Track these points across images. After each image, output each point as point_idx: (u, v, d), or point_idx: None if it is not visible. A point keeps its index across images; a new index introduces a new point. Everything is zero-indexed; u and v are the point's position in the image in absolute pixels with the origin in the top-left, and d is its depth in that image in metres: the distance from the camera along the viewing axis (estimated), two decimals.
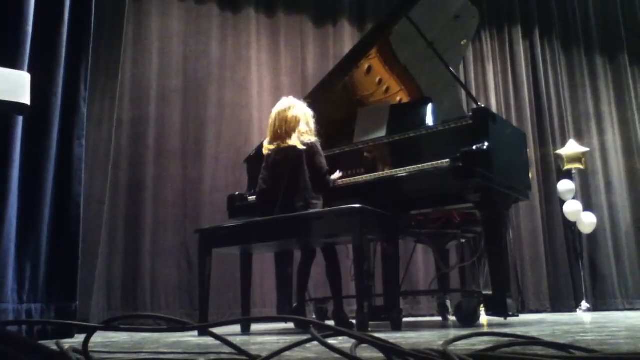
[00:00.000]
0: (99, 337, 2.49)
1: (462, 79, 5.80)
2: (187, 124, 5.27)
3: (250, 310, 3.22)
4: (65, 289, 2.50)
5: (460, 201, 3.12)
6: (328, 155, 3.39)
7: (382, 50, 3.82)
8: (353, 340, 1.16)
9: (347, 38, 5.97)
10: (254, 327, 3.40)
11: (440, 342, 1.18)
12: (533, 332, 2.31)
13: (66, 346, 1.17)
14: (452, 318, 4.02)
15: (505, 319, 3.05)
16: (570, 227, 6.24)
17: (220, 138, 5.34)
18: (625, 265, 6.35)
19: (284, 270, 3.56)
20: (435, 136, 3.18)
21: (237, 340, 1.67)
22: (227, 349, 1.35)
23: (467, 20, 3.97)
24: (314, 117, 3.21)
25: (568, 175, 6.31)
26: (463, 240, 4.00)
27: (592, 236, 6.31)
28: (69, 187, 2.61)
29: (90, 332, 1.25)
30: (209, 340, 2.15)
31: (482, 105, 3.21)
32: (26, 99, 1.60)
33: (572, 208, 6.10)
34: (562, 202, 6.20)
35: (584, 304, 5.93)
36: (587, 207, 6.28)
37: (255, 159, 3.62)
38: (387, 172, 3.19)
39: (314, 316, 3.88)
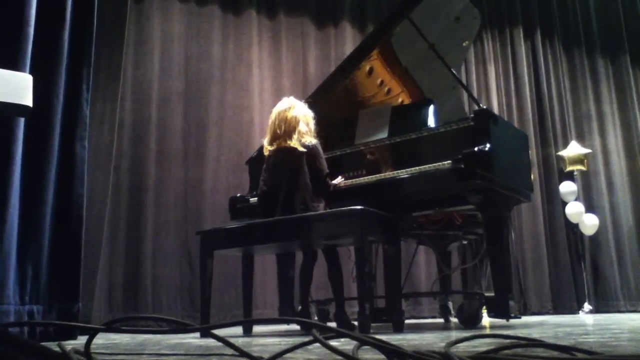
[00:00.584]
0: (100, 339, 2.49)
1: (464, 80, 5.80)
2: (189, 125, 5.27)
3: (251, 311, 3.22)
4: (67, 291, 2.51)
5: (461, 203, 3.12)
6: (329, 156, 3.40)
7: (383, 52, 3.82)
8: (355, 342, 1.16)
9: (348, 40, 5.97)
10: (256, 328, 3.40)
11: (442, 344, 1.18)
12: (535, 333, 2.31)
13: (68, 348, 1.17)
14: (454, 320, 4.02)
15: (508, 320, 3.05)
16: (572, 228, 6.23)
17: (221, 140, 5.35)
18: (627, 267, 6.34)
19: (286, 272, 3.56)
20: (436, 138, 3.18)
21: (239, 341, 1.67)
22: (229, 351, 1.35)
23: (468, 22, 3.97)
24: (314, 118, 3.21)
25: (570, 176, 6.30)
26: (465, 242, 4.00)
27: (594, 238, 6.29)
28: (71, 189, 2.61)
29: (92, 333, 1.25)
30: (210, 341, 2.15)
31: (484, 107, 3.21)
32: (28, 101, 1.60)
33: (574, 209, 6.09)
34: (564, 203, 6.19)
35: (587, 306, 5.92)
36: (589, 208, 6.27)
37: (257, 160, 3.62)
38: (388, 174, 3.19)
39: (316, 318, 3.88)
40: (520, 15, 6.76)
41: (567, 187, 6.18)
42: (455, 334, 2.56)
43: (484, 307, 3.19)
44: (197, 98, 5.35)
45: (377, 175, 3.24)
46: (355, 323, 2.75)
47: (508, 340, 1.30)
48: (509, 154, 3.20)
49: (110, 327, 1.28)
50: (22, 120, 2.39)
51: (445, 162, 2.95)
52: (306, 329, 2.96)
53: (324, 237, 2.88)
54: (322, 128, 3.31)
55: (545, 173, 6.37)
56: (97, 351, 1.59)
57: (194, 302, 4.77)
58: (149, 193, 4.94)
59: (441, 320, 4.39)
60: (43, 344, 0.97)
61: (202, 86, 5.38)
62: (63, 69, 2.65)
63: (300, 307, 3.46)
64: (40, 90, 1.90)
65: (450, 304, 4.19)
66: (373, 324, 2.72)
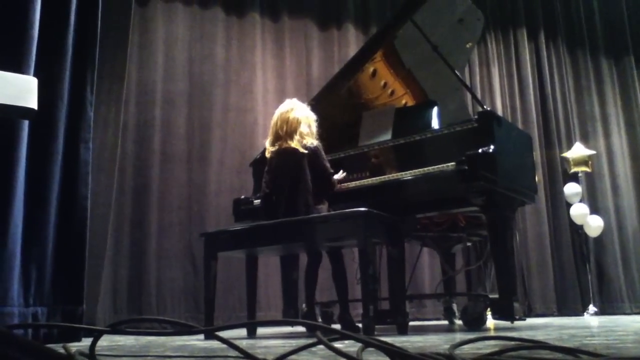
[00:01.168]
0: (105, 341, 2.49)
1: (467, 81, 5.79)
2: (193, 127, 5.28)
3: (255, 313, 3.22)
4: (71, 292, 2.51)
5: (465, 204, 3.12)
6: (333, 158, 3.40)
7: (386, 54, 3.82)
8: (359, 344, 1.16)
9: (351, 41, 5.97)
10: (260, 330, 3.40)
11: (447, 346, 1.18)
12: (540, 336, 2.30)
13: (73, 349, 1.18)
14: (458, 322, 4.01)
15: (512, 322, 3.04)
16: (577, 230, 6.22)
17: (225, 142, 5.35)
18: (632, 269, 6.32)
19: (290, 274, 3.55)
20: (440, 139, 3.17)
21: (243, 343, 1.67)
22: (234, 353, 1.35)
23: (472, 23, 3.96)
24: (317, 120, 3.21)
25: (574, 178, 6.28)
26: (469, 244, 3.99)
27: (599, 239, 6.28)
28: (75, 191, 2.62)
29: (97, 335, 1.25)
30: (214, 343, 2.15)
31: (488, 108, 3.20)
32: (33, 104, 1.61)
33: (579, 211, 6.07)
34: (569, 205, 6.18)
35: (591, 308, 5.90)
36: (594, 210, 6.25)
37: (261, 162, 3.62)
38: (392, 176, 3.19)
39: (320, 320, 3.88)
40: (523, 17, 6.75)
41: (571, 189, 6.16)
42: (459, 336, 2.55)
43: (488, 309, 3.18)
44: (201, 100, 5.36)
45: (381, 177, 3.24)
46: (360, 325, 2.74)
47: (512, 342, 1.30)
48: (513, 155, 3.19)
49: (115, 329, 1.28)
50: (26, 123, 2.40)
51: (449, 164, 2.95)
52: (311, 331, 2.96)
53: (328, 239, 2.87)
54: (326, 130, 3.31)
55: (549, 174, 6.36)
56: (101, 353, 1.59)
57: (198, 304, 4.78)
58: (153, 195, 4.95)
59: (445, 322, 4.38)
60: (47, 346, 0.98)
61: (206, 88, 5.40)
62: (67, 71, 2.66)
63: (305, 309, 3.46)
64: (45, 92, 1.90)
65: (454, 306, 4.18)
66: (377, 326, 2.72)
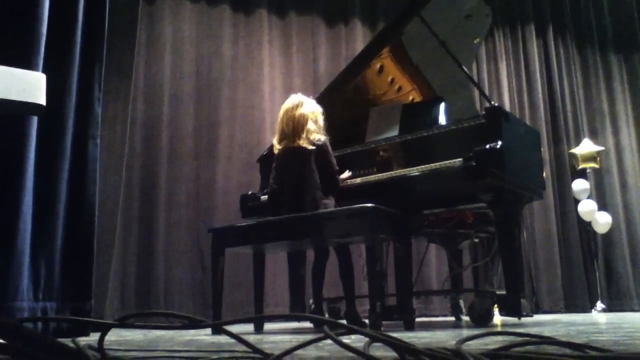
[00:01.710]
0: (113, 336, 2.51)
1: (475, 77, 5.77)
2: (200, 124, 5.30)
3: (263, 309, 3.23)
4: (79, 288, 2.53)
5: (473, 201, 3.11)
6: (340, 154, 3.40)
7: (394, 50, 3.82)
8: (366, 339, 1.16)
9: (359, 38, 5.97)
10: (267, 326, 3.41)
11: (454, 342, 1.18)
12: (547, 332, 2.30)
13: (82, 343, 1.18)
14: (465, 318, 4.01)
15: (519, 319, 3.04)
16: (585, 226, 6.19)
17: (232, 138, 5.37)
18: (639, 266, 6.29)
19: (297, 270, 3.56)
20: (447, 135, 3.16)
21: (251, 338, 1.68)
22: (241, 347, 1.35)
23: (480, 19, 3.95)
24: (324, 113, 3.19)
25: (582, 174, 6.25)
26: (476, 240, 3.98)
27: (607, 236, 6.24)
28: (84, 187, 2.63)
29: (105, 329, 1.26)
30: (222, 338, 2.16)
31: (495, 104, 3.19)
32: (42, 100, 1.62)
33: (587, 208, 6.05)
34: (577, 201, 6.15)
35: (599, 305, 5.87)
36: (602, 206, 6.22)
37: (268, 158, 3.63)
38: (399, 172, 3.18)
39: (327, 316, 3.88)
40: (532, 13, 6.71)
41: (579, 185, 6.13)
42: (466, 332, 2.55)
43: (496, 306, 3.18)
44: (208, 97, 5.37)
45: (388, 173, 3.23)
46: (366, 321, 2.74)
47: (520, 338, 1.30)
48: (521, 151, 3.18)
49: (123, 323, 1.29)
50: (35, 119, 2.41)
51: (457, 160, 2.94)
52: (318, 325, 2.96)
53: (335, 235, 2.88)
54: (333, 126, 3.31)
55: (557, 171, 6.33)
56: (110, 347, 1.60)
57: (206, 300, 4.80)
58: (161, 191, 4.98)
59: (452, 318, 4.37)
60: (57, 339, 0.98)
61: (213, 85, 5.41)
62: (75, 68, 2.67)
63: (313, 305, 3.46)
64: (53, 89, 1.91)
65: (461, 302, 4.18)
66: (384, 322, 2.72)
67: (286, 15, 5.86)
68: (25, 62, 2.31)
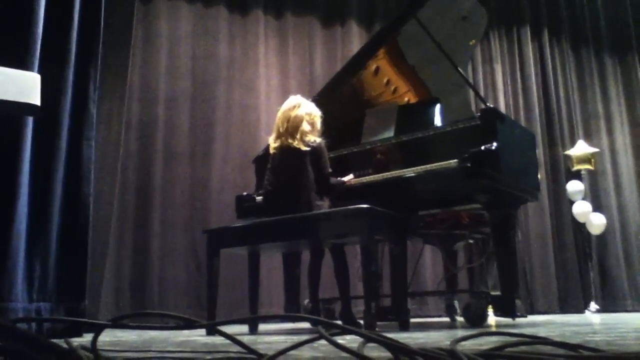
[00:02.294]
0: (107, 336, 2.50)
1: (471, 79, 5.78)
2: (196, 125, 5.29)
3: (257, 310, 3.23)
4: (74, 289, 2.52)
5: (468, 202, 3.12)
6: (336, 155, 3.40)
7: (390, 51, 3.82)
8: (361, 340, 1.17)
9: (355, 39, 5.97)
10: (262, 327, 3.41)
11: (448, 342, 1.18)
12: (541, 332, 2.31)
13: (75, 344, 1.18)
14: (460, 319, 4.01)
15: (514, 319, 3.04)
16: (580, 228, 6.21)
17: (228, 139, 5.36)
18: (634, 267, 6.31)
19: (292, 271, 3.56)
20: (443, 136, 3.17)
21: (245, 339, 1.68)
22: (235, 348, 1.35)
23: (475, 21, 3.95)
24: (322, 117, 3.20)
25: (577, 176, 6.27)
26: (471, 241, 3.99)
27: (602, 237, 6.27)
28: (78, 188, 2.62)
29: (98, 329, 1.26)
30: (217, 339, 2.16)
31: (491, 106, 3.20)
32: (36, 100, 1.62)
33: (581, 209, 6.07)
34: (571, 202, 6.17)
35: (593, 305, 5.89)
36: (596, 208, 6.24)
37: (263, 158, 3.63)
38: (395, 173, 3.19)
39: (322, 316, 3.88)
40: (527, 15, 6.73)
41: (574, 187, 6.16)
42: (461, 333, 2.56)
43: (490, 306, 3.19)
44: (204, 98, 5.37)
45: (384, 174, 3.24)
46: (362, 322, 2.75)
47: (514, 338, 1.30)
48: (516, 153, 3.19)
49: (117, 323, 1.29)
50: (30, 120, 2.41)
51: (452, 161, 2.95)
52: (313, 326, 2.96)
53: (331, 236, 2.88)
54: (329, 127, 3.31)
55: (552, 172, 6.35)
56: (104, 348, 1.60)
57: (201, 301, 4.79)
58: (156, 192, 4.97)
59: (447, 319, 4.38)
60: (51, 340, 0.98)
61: (209, 86, 5.40)
62: (71, 68, 2.66)
63: (310, 305, 3.47)
64: (48, 89, 1.91)
65: (456, 303, 4.19)
66: (379, 323, 2.72)
67: (282, 15, 5.86)
68: (20, 62, 2.31)
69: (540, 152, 6.02)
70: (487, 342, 1.58)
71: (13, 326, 0.89)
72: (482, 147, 2.88)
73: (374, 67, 3.85)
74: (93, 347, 1.16)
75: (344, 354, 1.09)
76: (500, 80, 6.47)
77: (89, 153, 2.69)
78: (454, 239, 3.97)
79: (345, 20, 6.07)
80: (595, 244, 6.30)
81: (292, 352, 1.28)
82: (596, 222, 6.05)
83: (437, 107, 3.53)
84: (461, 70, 3.56)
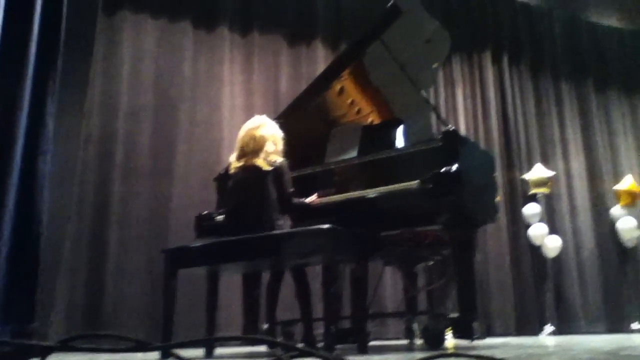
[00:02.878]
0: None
1: (433, 101, 5.87)
2: (157, 141, 5.19)
3: (214, 333, 3.16)
4: (22, 310, 2.43)
5: (429, 222, 3.14)
6: (300, 175, 3.39)
7: (354, 72, 3.85)
8: None
9: (320, 59, 6.00)
10: (219, 351, 3.34)
11: None
12: (498, 354, 2.32)
13: None
14: (419, 341, 4.01)
15: (471, 341, 3.06)
16: (536, 250, 6.32)
17: (190, 156, 5.28)
18: (588, 289, 6.47)
19: (252, 292, 3.50)
20: (406, 157, 3.20)
21: None
22: None
23: (439, 44, 4.02)
24: (284, 138, 3.21)
25: (534, 199, 6.40)
26: (431, 263, 4.01)
27: (557, 260, 6.39)
28: (32, 204, 2.54)
29: (46, 352, 1.20)
30: None
31: (452, 128, 3.24)
32: None
33: (538, 232, 6.19)
34: (528, 225, 6.29)
35: (549, 327, 5.99)
36: (552, 230, 6.37)
37: (225, 177, 3.58)
38: (357, 193, 3.19)
39: (280, 339, 3.83)
40: (488, 40, 6.90)
41: (531, 210, 6.28)
42: (419, 355, 2.55)
43: (449, 328, 3.20)
44: (167, 114, 5.28)
45: (346, 194, 3.24)
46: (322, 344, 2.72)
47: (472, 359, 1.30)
48: (477, 174, 3.24)
49: (66, 345, 1.24)
50: None
51: (414, 182, 2.97)
52: (272, 348, 2.92)
53: (292, 256, 2.85)
54: (293, 146, 3.31)
55: (509, 195, 6.46)
56: None
57: (157, 322, 4.60)
58: (113, 209, 4.84)
59: (406, 341, 4.38)
60: None
61: (172, 102, 5.33)
62: (29, 81, 2.60)
63: (266, 326, 3.42)
64: (4, 102, 1.85)
65: (415, 325, 4.19)
66: (338, 345, 2.70)
67: (248, 33, 5.85)
68: None
69: (498, 174, 6.13)
70: None
71: None
72: (444, 169, 2.91)
73: (338, 87, 3.88)
74: None
75: None
76: (461, 103, 6.59)
77: (44, 168, 2.61)
78: (414, 261, 3.98)
79: (310, 40, 6.09)
80: (551, 267, 6.42)
81: None
82: (552, 245, 6.18)
83: (400, 128, 3.57)
84: (423, 93, 3.61)
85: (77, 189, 4.61)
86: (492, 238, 6.16)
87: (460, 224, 2.98)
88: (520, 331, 5.96)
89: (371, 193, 3.11)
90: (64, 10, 2.81)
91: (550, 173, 6.47)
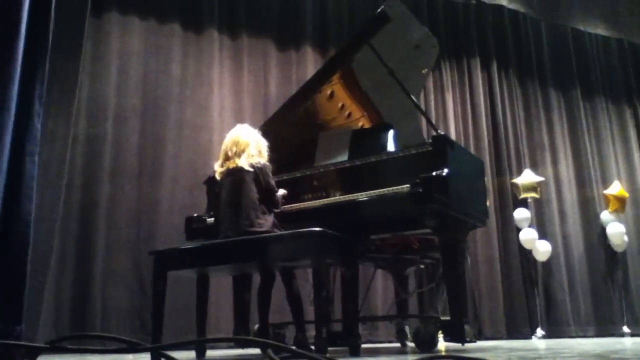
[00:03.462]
0: None
1: (423, 106, 5.89)
2: (145, 143, 5.17)
3: (205, 335, 3.14)
4: (9, 311, 2.38)
5: (419, 226, 3.13)
6: (289, 178, 3.38)
7: (344, 77, 3.85)
8: None
9: (310, 63, 6.00)
10: (210, 352, 3.31)
11: None
12: (489, 357, 2.32)
13: None
14: (410, 344, 4.01)
15: (463, 345, 3.06)
16: (526, 254, 6.35)
17: (178, 159, 5.26)
18: (577, 293, 6.51)
19: (242, 295, 3.49)
20: (395, 162, 3.20)
21: None
22: None
23: (427, 50, 4.04)
24: (268, 146, 3.24)
25: (524, 203, 6.44)
26: (422, 266, 4.01)
27: (547, 264, 6.43)
28: (19, 206, 2.50)
29: (34, 353, 1.18)
30: None
31: (442, 133, 3.25)
32: None
33: (528, 236, 6.22)
34: (518, 230, 6.32)
35: (539, 331, 6.01)
36: (542, 235, 6.41)
37: (215, 180, 3.57)
38: (347, 196, 3.19)
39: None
40: (477, 47, 6.95)
41: (521, 214, 6.32)
42: (411, 358, 2.55)
43: (440, 332, 3.20)
44: (155, 116, 5.26)
45: (336, 197, 3.23)
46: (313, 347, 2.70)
47: None
48: (466, 179, 3.25)
49: (55, 347, 1.21)
50: None
51: (404, 186, 2.97)
52: (263, 350, 2.90)
53: (282, 259, 2.84)
54: (282, 149, 3.30)
55: (500, 199, 6.50)
56: None
57: (145, 325, 4.63)
58: (101, 211, 4.81)
59: (397, 344, 4.38)
60: None
61: (160, 104, 5.30)
62: (15, 81, 2.55)
63: (257, 328, 3.40)
64: None
65: (406, 328, 4.19)
66: (329, 348, 2.68)
67: (238, 36, 5.84)
68: None
69: (488, 179, 6.16)
70: None
71: None
72: (433, 173, 2.92)
73: (328, 91, 3.88)
74: None
75: None
76: (451, 109, 6.62)
77: (31, 170, 2.57)
78: (404, 264, 3.98)
79: (300, 44, 6.10)
80: (541, 271, 6.45)
81: None
82: (542, 249, 6.22)
83: (390, 132, 3.57)
84: (413, 98, 3.62)
85: (64, 191, 4.56)
86: (483, 242, 6.19)
87: (449, 228, 2.98)
88: (510, 334, 5.99)
89: (361, 197, 3.11)
90: (52, 11, 2.78)
91: (539, 178, 6.51)
